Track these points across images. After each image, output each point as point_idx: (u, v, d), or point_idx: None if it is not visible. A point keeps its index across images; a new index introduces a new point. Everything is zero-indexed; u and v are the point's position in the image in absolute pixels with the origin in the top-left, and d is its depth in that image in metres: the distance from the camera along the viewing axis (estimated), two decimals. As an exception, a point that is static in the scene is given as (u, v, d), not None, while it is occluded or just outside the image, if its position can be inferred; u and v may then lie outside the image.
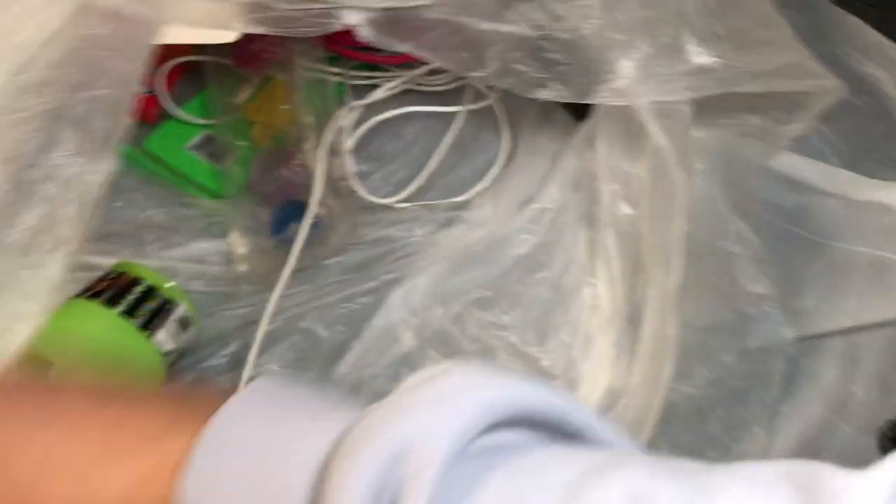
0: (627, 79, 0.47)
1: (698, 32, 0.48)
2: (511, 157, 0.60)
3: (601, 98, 0.48)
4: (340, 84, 0.60)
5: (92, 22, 0.40)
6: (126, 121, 0.42)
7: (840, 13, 0.63)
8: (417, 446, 0.23)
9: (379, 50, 0.61)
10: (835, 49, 0.65)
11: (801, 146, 0.60)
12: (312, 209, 0.53)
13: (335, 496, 0.23)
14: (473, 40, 0.47)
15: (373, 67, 0.61)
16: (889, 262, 0.56)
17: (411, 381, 0.25)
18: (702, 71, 0.48)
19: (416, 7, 0.45)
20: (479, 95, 0.61)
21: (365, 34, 0.45)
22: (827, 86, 0.51)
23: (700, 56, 0.47)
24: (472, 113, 0.61)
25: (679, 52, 0.48)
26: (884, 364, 0.54)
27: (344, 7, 0.44)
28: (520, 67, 0.48)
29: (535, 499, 0.23)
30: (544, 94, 0.48)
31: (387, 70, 0.61)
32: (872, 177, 0.60)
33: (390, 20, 0.45)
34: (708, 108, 0.54)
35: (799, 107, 0.54)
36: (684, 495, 0.22)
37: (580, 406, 0.26)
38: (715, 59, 0.48)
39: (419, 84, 0.61)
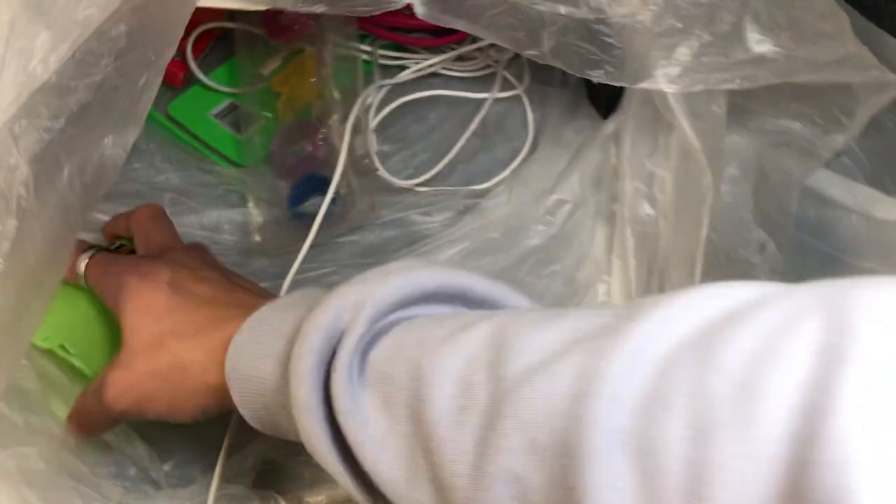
0: (683, 66, 0.46)
1: (760, 20, 0.47)
2: (534, 149, 0.59)
3: (654, 84, 0.47)
4: (369, 62, 0.60)
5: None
6: (156, 88, 0.41)
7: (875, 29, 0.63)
8: (355, 307, 0.33)
9: (409, 31, 0.61)
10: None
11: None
12: (334, 184, 0.52)
13: (300, 345, 0.33)
14: (530, 20, 0.46)
15: (402, 48, 0.61)
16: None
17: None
18: (760, 60, 0.47)
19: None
20: (506, 84, 0.61)
21: (421, 11, 0.44)
22: (886, 80, 0.49)
23: (760, 44, 0.46)
24: (498, 101, 0.61)
25: (738, 40, 0.46)
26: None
27: None
28: (575, 48, 0.47)
29: (426, 335, 0.32)
30: (597, 76, 0.46)
31: (416, 52, 0.61)
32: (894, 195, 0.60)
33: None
34: (748, 112, 0.53)
35: (848, 112, 0.53)
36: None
37: (487, 282, 0.35)
38: (774, 49, 0.47)
39: (447, 69, 0.61)
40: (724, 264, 0.53)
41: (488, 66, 0.61)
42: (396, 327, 0.33)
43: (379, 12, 0.42)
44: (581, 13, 0.45)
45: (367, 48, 0.60)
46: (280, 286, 0.50)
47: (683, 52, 0.46)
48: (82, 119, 0.35)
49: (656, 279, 0.52)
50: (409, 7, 0.42)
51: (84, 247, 0.46)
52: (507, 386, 0.28)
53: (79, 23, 0.36)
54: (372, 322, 0.33)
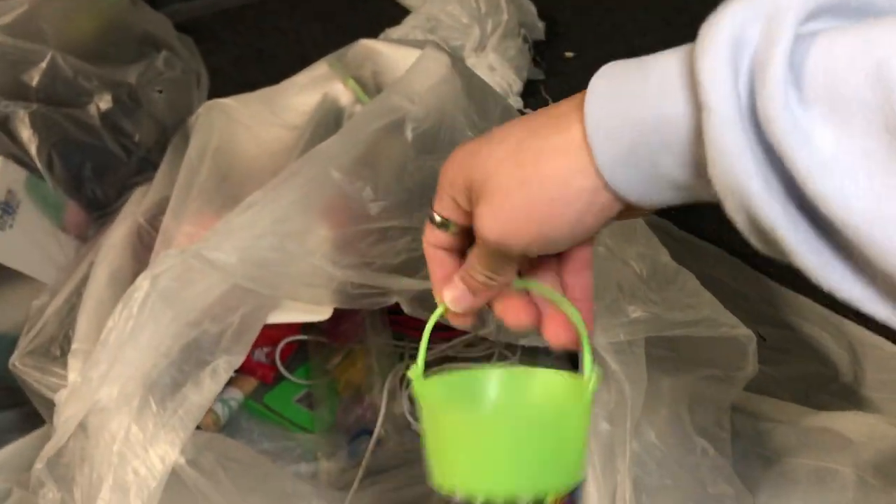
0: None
1: (635, 298, 0.68)
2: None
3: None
4: (401, 351, 0.83)
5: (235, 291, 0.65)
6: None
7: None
8: (767, 16, 0.28)
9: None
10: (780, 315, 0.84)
11: (758, 385, 0.76)
12: (377, 432, 0.73)
13: (703, 50, 0.28)
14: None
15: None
16: (829, 470, 0.70)
17: None
18: (636, 322, 0.68)
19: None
20: (502, 356, 0.82)
21: (408, 310, 0.67)
22: (740, 333, 0.69)
23: (635, 312, 0.67)
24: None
25: (619, 309, 0.68)
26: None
27: (391, 291, 0.67)
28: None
29: (875, 35, 0.26)
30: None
31: (437, 344, 0.84)
32: (825, 409, 0.76)
33: (418, 299, 0.68)
34: (673, 361, 0.73)
35: (741, 353, 0.72)
36: None
37: None
38: (646, 314, 0.68)
39: (459, 352, 0.83)
40: (675, 466, 0.69)
41: (490, 348, 0.83)
42: (823, 34, 0.27)
43: (378, 307, 0.66)
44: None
45: (400, 343, 0.83)
46: None
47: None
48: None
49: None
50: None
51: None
52: None
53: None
54: (796, 26, 0.27)
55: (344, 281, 0.65)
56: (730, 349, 0.71)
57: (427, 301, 0.66)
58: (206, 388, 0.61)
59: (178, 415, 0.60)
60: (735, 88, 0.28)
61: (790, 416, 0.75)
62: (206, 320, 0.64)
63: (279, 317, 0.68)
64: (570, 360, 0.82)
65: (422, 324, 0.46)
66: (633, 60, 0.32)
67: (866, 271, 0.27)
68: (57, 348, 0.75)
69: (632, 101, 0.31)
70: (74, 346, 0.70)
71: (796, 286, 0.86)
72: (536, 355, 0.83)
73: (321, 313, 0.73)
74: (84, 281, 0.77)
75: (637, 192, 0.33)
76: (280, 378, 0.83)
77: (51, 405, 0.68)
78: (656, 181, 0.32)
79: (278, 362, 0.83)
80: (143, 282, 0.61)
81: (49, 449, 0.62)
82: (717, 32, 0.28)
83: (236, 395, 0.79)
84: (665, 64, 0.31)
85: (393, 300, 0.67)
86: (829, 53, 0.27)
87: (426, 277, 0.45)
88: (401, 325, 0.83)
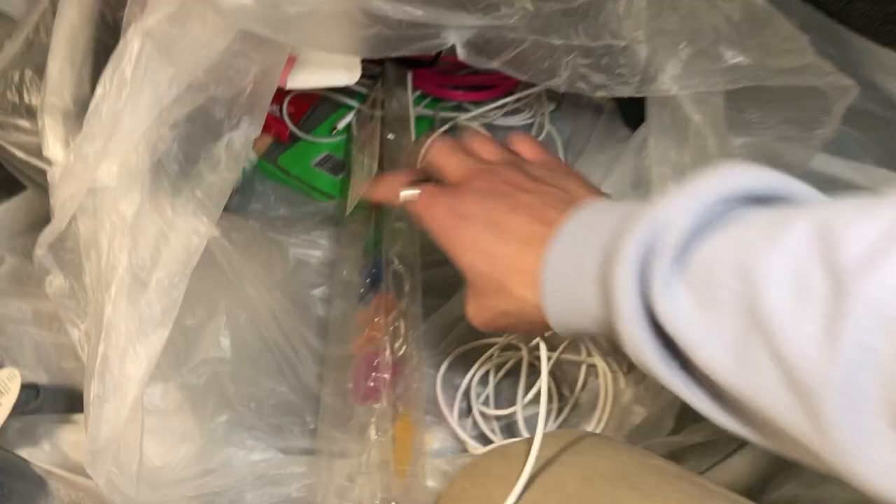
0: (674, 75, 0.58)
1: (732, 42, 0.58)
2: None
3: (653, 92, 0.58)
4: (430, 119, 0.74)
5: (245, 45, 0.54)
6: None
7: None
8: (666, 225, 0.36)
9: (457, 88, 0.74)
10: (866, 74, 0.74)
11: (839, 149, 0.68)
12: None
13: (616, 257, 0.37)
14: (549, 54, 0.58)
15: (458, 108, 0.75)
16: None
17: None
18: (735, 68, 0.58)
19: (501, 27, 0.56)
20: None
21: (462, 54, 0.56)
22: (843, 83, 0.60)
23: (733, 58, 0.57)
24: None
25: (716, 55, 0.58)
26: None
27: (447, 28, 0.56)
28: (586, 73, 0.59)
29: (748, 234, 0.34)
30: (603, 93, 0.58)
31: (468, 110, 0.74)
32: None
33: (481, 40, 0.57)
34: (747, 121, 0.64)
35: (824, 111, 0.63)
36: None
37: (786, 180, 0.37)
38: (745, 59, 0.58)
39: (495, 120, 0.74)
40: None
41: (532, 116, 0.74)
42: (710, 232, 0.35)
43: (430, 53, 0.55)
44: (587, 42, 0.56)
45: (430, 111, 0.74)
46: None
47: (674, 64, 0.57)
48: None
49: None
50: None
51: (410, 178, 0.53)
52: (848, 275, 0.30)
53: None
54: (691, 228, 0.35)
55: (385, 18, 0.53)
56: (811, 105, 0.62)
57: (489, 46, 0.55)
58: (224, 166, 0.52)
59: (197, 196, 0.52)
60: (637, 290, 0.36)
61: (874, 181, 0.67)
62: (212, 83, 0.54)
63: (300, 81, 0.57)
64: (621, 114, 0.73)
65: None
66: (580, 240, 0.42)
67: (733, 408, 0.36)
68: (14, 94, 0.63)
69: (570, 283, 0.41)
70: (48, 98, 0.59)
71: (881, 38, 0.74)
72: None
73: (349, 76, 0.62)
74: (48, 14, 0.63)
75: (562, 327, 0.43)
76: (295, 138, 0.74)
77: (25, 166, 0.59)
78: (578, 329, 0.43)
79: (286, 118, 0.73)
80: (133, 37, 0.50)
81: (49, 234, 0.54)
82: (625, 250, 0.37)
83: (249, 154, 0.70)
84: (596, 256, 0.39)
85: (448, 42, 0.55)
86: (707, 252, 0.35)
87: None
88: (423, 82, 0.73)
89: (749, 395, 0.33)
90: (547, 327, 0.43)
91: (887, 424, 0.29)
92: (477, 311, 0.47)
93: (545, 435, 0.44)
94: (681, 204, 0.36)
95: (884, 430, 0.29)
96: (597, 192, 0.52)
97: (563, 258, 0.42)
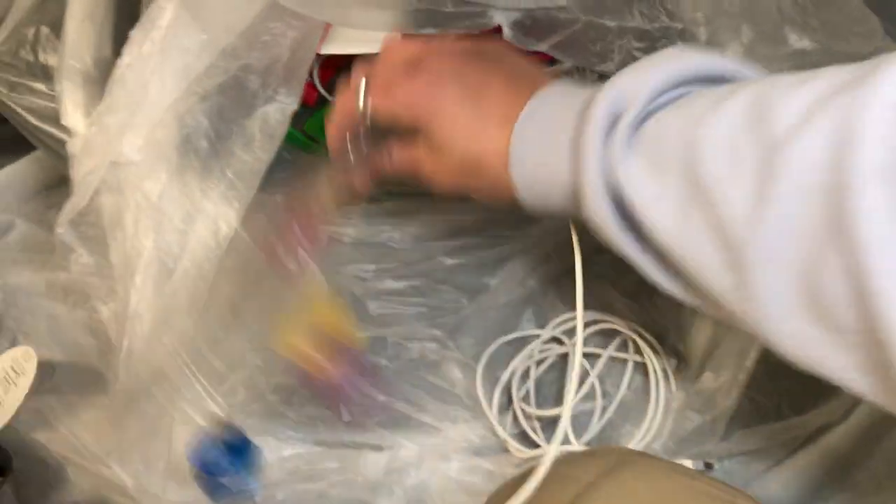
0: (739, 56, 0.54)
1: (796, 23, 0.55)
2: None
3: None
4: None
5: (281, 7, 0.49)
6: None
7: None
8: (629, 94, 0.38)
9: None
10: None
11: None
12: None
13: (586, 127, 0.39)
14: (601, 36, 0.54)
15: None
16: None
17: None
18: (800, 53, 0.54)
19: (551, 8, 0.52)
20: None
21: (509, 34, 0.52)
22: None
23: (798, 42, 0.53)
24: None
25: (780, 38, 0.54)
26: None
27: (494, 7, 0.52)
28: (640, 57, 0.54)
29: (694, 107, 0.36)
30: None
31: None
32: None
33: (530, 21, 0.53)
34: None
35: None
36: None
37: (741, 62, 0.41)
38: (812, 44, 0.54)
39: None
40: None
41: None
42: (663, 110, 0.38)
43: (475, 31, 0.50)
44: (643, 24, 0.52)
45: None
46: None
47: (735, 48, 0.53)
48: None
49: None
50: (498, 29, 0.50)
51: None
52: (776, 143, 0.32)
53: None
54: (645, 103, 0.38)
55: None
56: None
57: (537, 27, 0.51)
58: (258, 144, 0.49)
59: (228, 177, 0.48)
60: (601, 156, 0.38)
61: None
62: (246, 49, 0.49)
63: (336, 46, 0.53)
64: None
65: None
66: (560, 104, 0.43)
67: (675, 272, 0.37)
68: (29, 52, 0.59)
69: (540, 152, 0.42)
70: (66, 60, 0.55)
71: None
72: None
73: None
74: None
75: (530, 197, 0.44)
76: (322, 102, 0.70)
77: (37, 130, 0.56)
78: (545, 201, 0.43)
79: (317, 80, 0.69)
80: (166, 2, 0.46)
81: (70, 210, 0.51)
82: (594, 119, 0.39)
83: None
84: (568, 125, 0.41)
85: (494, 22, 0.51)
86: (659, 124, 0.37)
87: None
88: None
89: (688, 256, 0.35)
90: (510, 201, 0.44)
91: (799, 296, 0.31)
92: (439, 171, 0.46)
93: (581, 454, 0.44)
94: (642, 80, 0.38)
95: (796, 302, 0.31)
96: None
97: (536, 128, 0.43)
